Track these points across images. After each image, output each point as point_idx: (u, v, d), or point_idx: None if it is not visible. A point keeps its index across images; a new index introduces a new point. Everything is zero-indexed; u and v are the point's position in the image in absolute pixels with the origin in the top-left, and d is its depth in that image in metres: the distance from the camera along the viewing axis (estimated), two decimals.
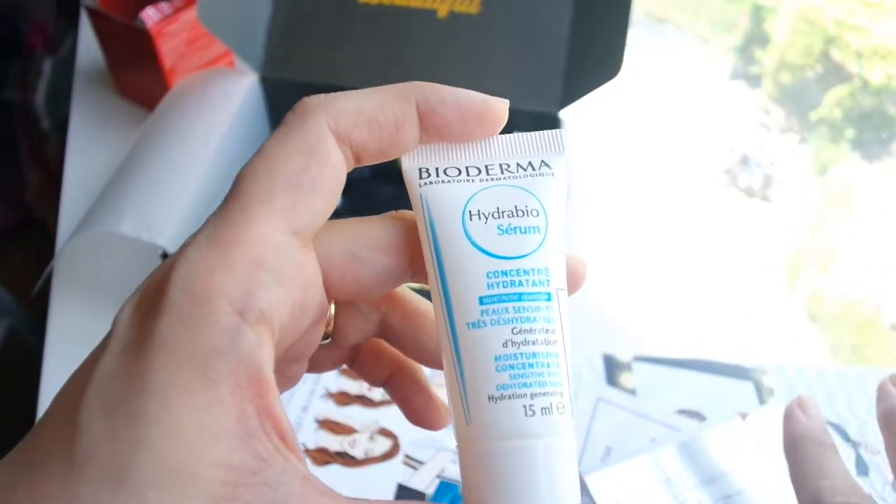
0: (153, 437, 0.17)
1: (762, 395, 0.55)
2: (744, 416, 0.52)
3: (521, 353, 0.21)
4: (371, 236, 0.23)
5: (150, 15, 0.64)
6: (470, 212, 0.22)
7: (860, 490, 0.36)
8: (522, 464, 0.20)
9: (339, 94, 0.21)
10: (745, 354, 0.58)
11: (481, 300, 0.21)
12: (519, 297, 0.21)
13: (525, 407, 0.20)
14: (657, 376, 0.56)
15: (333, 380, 0.55)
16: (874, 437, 0.52)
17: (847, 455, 0.51)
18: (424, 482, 0.51)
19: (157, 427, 0.17)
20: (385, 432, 0.53)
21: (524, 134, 0.24)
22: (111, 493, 0.16)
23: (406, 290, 0.26)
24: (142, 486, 0.17)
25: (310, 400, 0.54)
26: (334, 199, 0.21)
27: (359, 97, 0.21)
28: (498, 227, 0.22)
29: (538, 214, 0.22)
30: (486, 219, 0.22)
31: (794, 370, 0.56)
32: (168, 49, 0.66)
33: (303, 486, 0.18)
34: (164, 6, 0.65)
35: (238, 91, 0.63)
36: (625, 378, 0.56)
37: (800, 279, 0.65)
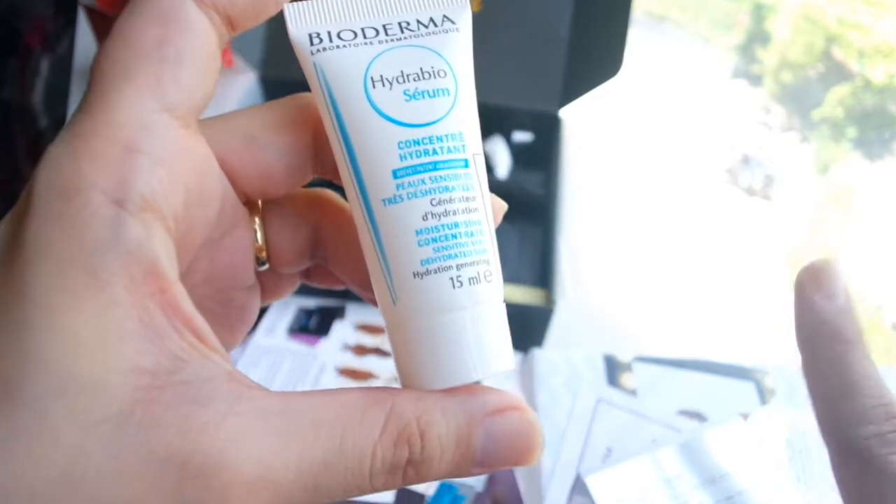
0: (45, 349, 0.15)
1: (763, 395, 0.55)
2: (745, 416, 0.52)
3: (443, 225, 0.20)
4: (268, 117, 0.21)
5: None
6: (372, 78, 0.20)
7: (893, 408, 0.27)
8: (453, 336, 0.20)
9: None
10: (746, 354, 0.57)
11: (395, 173, 0.20)
12: (434, 166, 0.20)
13: (452, 279, 0.20)
14: (658, 377, 0.56)
15: (333, 380, 0.55)
16: None
17: None
18: (423, 484, 0.50)
19: (47, 337, 0.15)
20: None
21: None
22: (7, 409, 0.15)
23: (341, 199, 0.24)
24: (43, 399, 0.15)
25: None
26: (209, 71, 0.19)
27: None
28: (404, 93, 0.20)
29: (445, 75, 0.21)
30: (391, 84, 0.20)
31: (795, 370, 0.56)
32: None
33: (229, 382, 0.17)
34: None
35: (237, 90, 0.63)
36: (625, 378, 0.56)
37: None
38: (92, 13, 0.66)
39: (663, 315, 0.61)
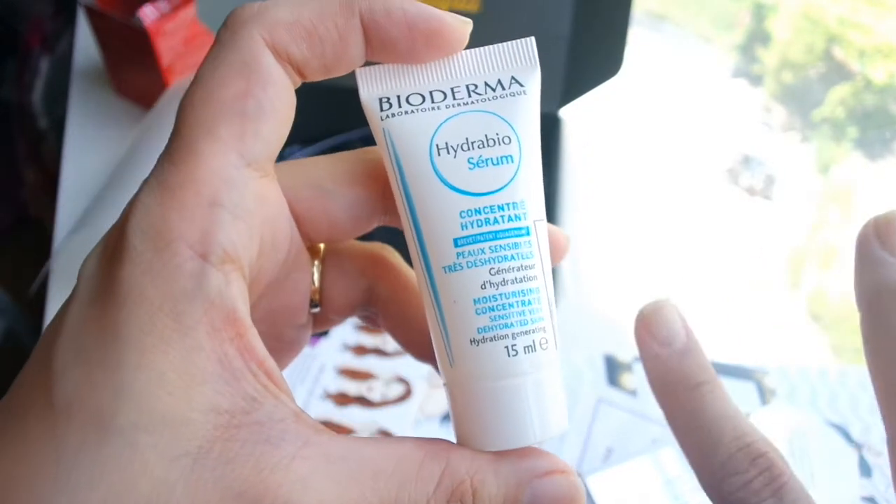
0: (136, 385, 0.17)
1: (764, 395, 0.55)
2: (746, 416, 0.52)
3: (501, 294, 0.20)
4: (340, 169, 0.22)
5: (147, 13, 0.63)
6: (437, 146, 0.21)
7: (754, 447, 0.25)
8: (507, 403, 0.20)
9: (275, 1, 0.19)
10: (746, 355, 0.57)
11: (456, 242, 0.20)
12: (494, 235, 0.20)
13: (507, 348, 0.20)
14: None
15: (333, 380, 0.55)
16: (878, 439, 0.52)
17: (850, 457, 0.51)
18: None
19: (137, 375, 0.17)
20: (384, 433, 0.53)
21: (493, 47, 0.22)
22: (98, 439, 0.16)
23: (401, 261, 0.25)
24: (131, 431, 0.16)
25: (308, 401, 0.54)
26: (286, 121, 0.20)
27: (296, 6, 0.19)
28: (468, 161, 0.21)
29: (510, 142, 0.21)
30: (455, 152, 0.21)
31: (796, 370, 0.56)
32: (166, 47, 0.66)
33: (296, 423, 0.18)
34: (162, 4, 0.64)
35: None
36: (625, 379, 0.56)
37: (802, 279, 0.64)
38: (92, 13, 0.66)
39: None
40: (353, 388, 0.55)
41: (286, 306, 0.23)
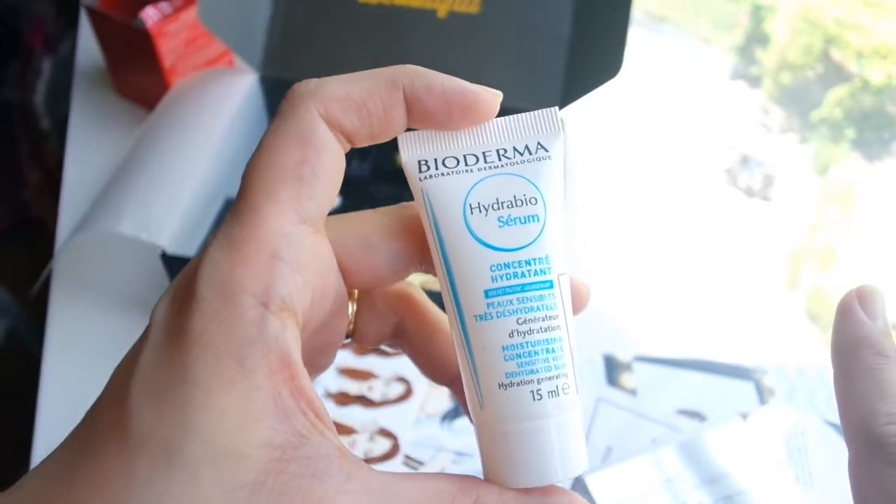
0: (202, 422, 0.19)
1: (763, 395, 0.55)
2: (744, 416, 0.52)
3: (527, 342, 0.22)
4: (383, 224, 0.24)
5: (149, 14, 0.64)
6: (471, 205, 0.23)
7: None
8: (532, 443, 0.22)
9: (330, 79, 0.22)
10: (745, 354, 0.58)
11: (486, 293, 0.22)
12: (522, 287, 0.22)
13: (533, 392, 0.22)
14: (657, 376, 0.56)
15: (333, 380, 0.55)
16: None
17: (847, 457, 0.51)
18: None
19: (203, 413, 0.19)
20: (385, 433, 0.53)
21: (520, 115, 0.24)
22: (167, 470, 0.18)
23: (426, 299, 0.27)
24: (195, 464, 0.18)
25: None
26: (336, 183, 0.22)
27: (347, 83, 0.22)
28: (498, 219, 0.23)
29: (536, 202, 0.23)
30: (487, 211, 0.23)
31: (794, 370, 0.56)
32: (168, 49, 0.66)
33: (340, 458, 0.20)
34: (164, 6, 0.65)
35: (238, 91, 0.63)
36: (625, 378, 0.56)
37: (800, 279, 0.65)
38: (94, 14, 0.66)
39: (663, 315, 0.61)
40: (353, 387, 0.55)
41: (326, 344, 0.26)
